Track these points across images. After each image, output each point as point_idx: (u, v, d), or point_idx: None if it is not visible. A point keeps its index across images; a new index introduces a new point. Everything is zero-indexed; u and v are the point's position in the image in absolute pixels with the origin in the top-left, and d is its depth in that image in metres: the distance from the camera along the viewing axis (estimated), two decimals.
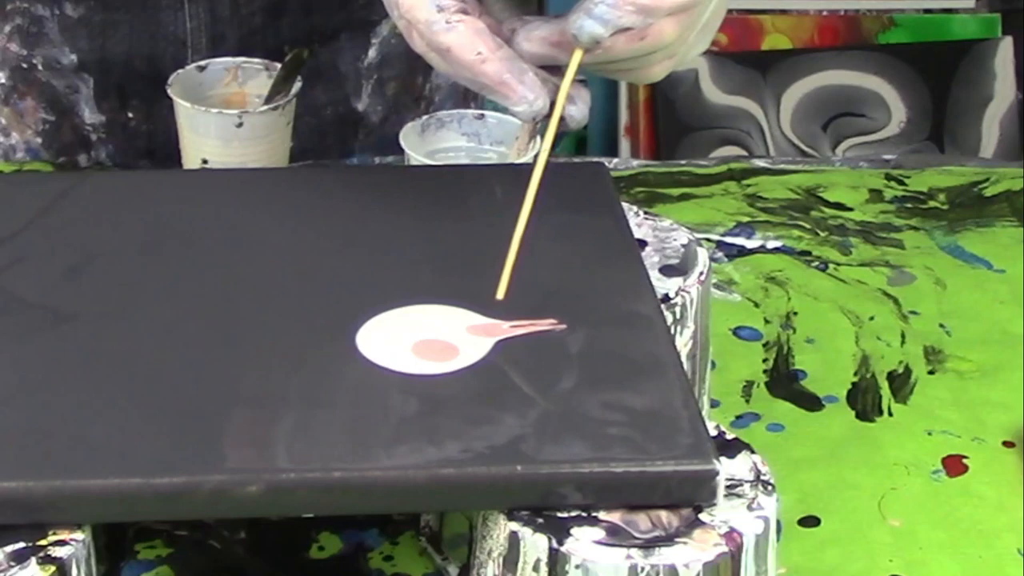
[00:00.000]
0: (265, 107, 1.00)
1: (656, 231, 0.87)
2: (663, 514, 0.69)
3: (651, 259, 0.84)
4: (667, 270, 0.84)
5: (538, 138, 0.98)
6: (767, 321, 0.99)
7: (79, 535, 0.67)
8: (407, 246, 0.82)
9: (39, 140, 1.12)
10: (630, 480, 0.68)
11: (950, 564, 0.80)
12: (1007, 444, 0.89)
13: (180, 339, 0.75)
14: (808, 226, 1.08)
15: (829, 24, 2.16)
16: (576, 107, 0.78)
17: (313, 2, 1.12)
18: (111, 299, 0.78)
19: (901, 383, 0.94)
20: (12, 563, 0.65)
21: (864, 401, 0.92)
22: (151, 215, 0.84)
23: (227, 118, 0.99)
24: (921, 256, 1.05)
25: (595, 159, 1.00)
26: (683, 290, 0.82)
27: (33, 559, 0.66)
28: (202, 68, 1.03)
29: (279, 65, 1.02)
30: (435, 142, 0.99)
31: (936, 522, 0.83)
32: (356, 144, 1.17)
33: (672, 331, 0.79)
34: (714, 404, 0.90)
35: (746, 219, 1.08)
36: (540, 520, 0.68)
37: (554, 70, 0.79)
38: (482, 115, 0.99)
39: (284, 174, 0.96)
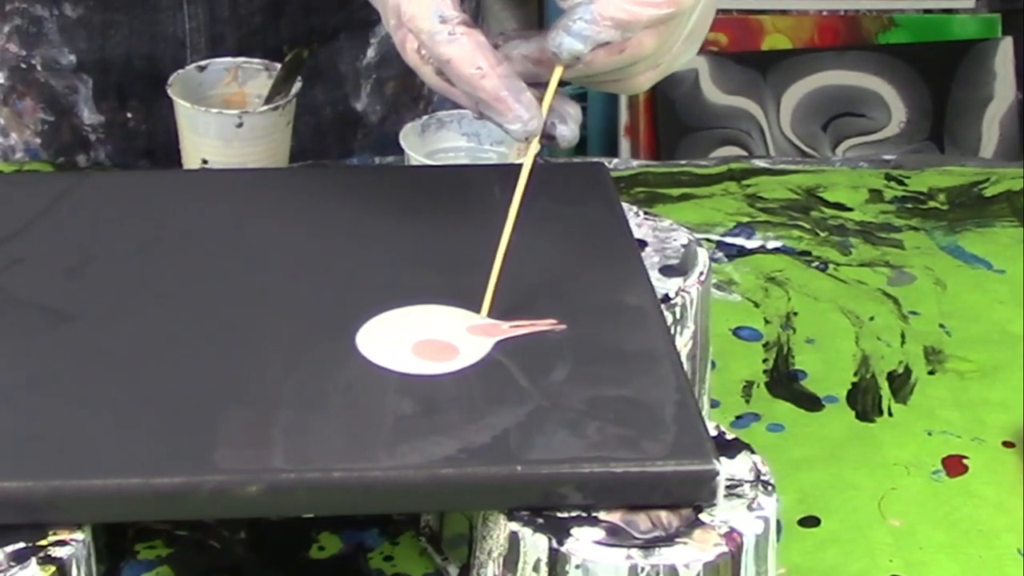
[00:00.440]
0: (265, 107, 1.00)
1: (656, 231, 0.87)
2: (663, 514, 0.69)
3: (651, 259, 0.84)
4: (667, 270, 0.84)
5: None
6: (767, 321, 0.99)
7: (79, 535, 0.67)
8: (407, 246, 0.82)
9: (38, 140, 1.12)
10: (630, 480, 0.68)
11: (950, 564, 0.80)
12: (1007, 444, 0.89)
13: (180, 339, 0.75)
14: (808, 226, 1.08)
15: (829, 24, 2.16)
16: (567, 127, 0.78)
17: (312, 2, 1.12)
18: (111, 299, 0.78)
19: (901, 383, 0.93)
20: (12, 563, 0.65)
21: (864, 401, 0.92)
22: (151, 215, 0.84)
23: (227, 118, 0.99)
24: (921, 256, 1.05)
25: (595, 159, 1.00)
26: (683, 290, 0.82)
27: (33, 559, 0.66)
28: (202, 68, 1.03)
29: (279, 65, 1.02)
30: (435, 142, 0.99)
31: (936, 522, 0.83)
32: (355, 144, 1.17)
33: (672, 331, 0.79)
34: (714, 404, 0.90)
35: (746, 219, 1.08)
36: (540, 520, 0.68)
37: (536, 86, 0.78)
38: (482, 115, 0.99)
39: (284, 174, 0.96)
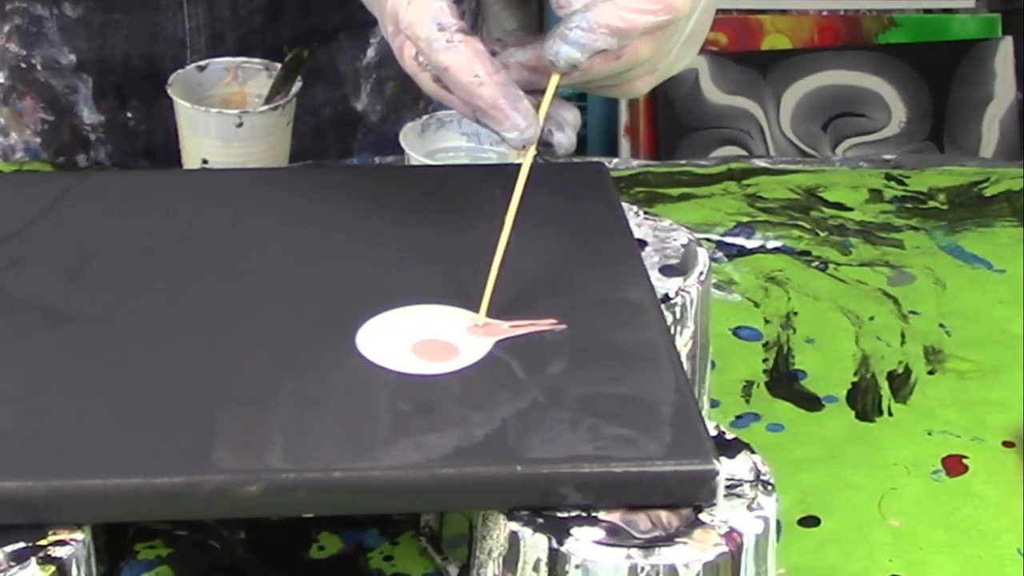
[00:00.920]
0: (265, 107, 1.00)
1: (656, 231, 0.87)
2: (663, 514, 0.69)
3: (651, 259, 0.84)
4: (667, 270, 0.84)
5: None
6: (767, 321, 0.99)
7: (79, 535, 0.67)
8: (407, 246, 0.82)
9: (38, 140, 1.12)
10: (630, 480, 0.68)
11: (950, 564, 0.80)
12: (1007, 444, 0.89)
13: (180, 339, 0.75)
14: (808, 226, 1.08)
15: (829, 24, 2.16)
16: (564, 134, 0.78)
17: (312, 2, 1.12)
18: (110, 299, 0.78)
19: (901, 383, 0.94)
20: (12, 563, 0.65)
21: (864, 401, 0.92)
22: (151, 215, 0.84)
23: (227, 118, 0.99)
24: (921, 256, 1.05)
25: (595, 159, 1.00)
26: (683, 290, 0.82)
27: (33, 559, 0.66)
28: (202, 68, 1.03)
29: (279, 65, 1.02)
30: (435, 142, 0.99)
31: (936, 522, 0.83)
32: (355, 144, 1.17)
33: (672, 331, 0.79)
34: (714, 404, 0.90)
35: (746, 219, 1.08)
36: (540, 520, 0.68)
37: (533, 93, 0.79)
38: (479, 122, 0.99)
39: (284, 174, 0.96)
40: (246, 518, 0.79)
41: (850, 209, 1.10)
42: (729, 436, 0.73)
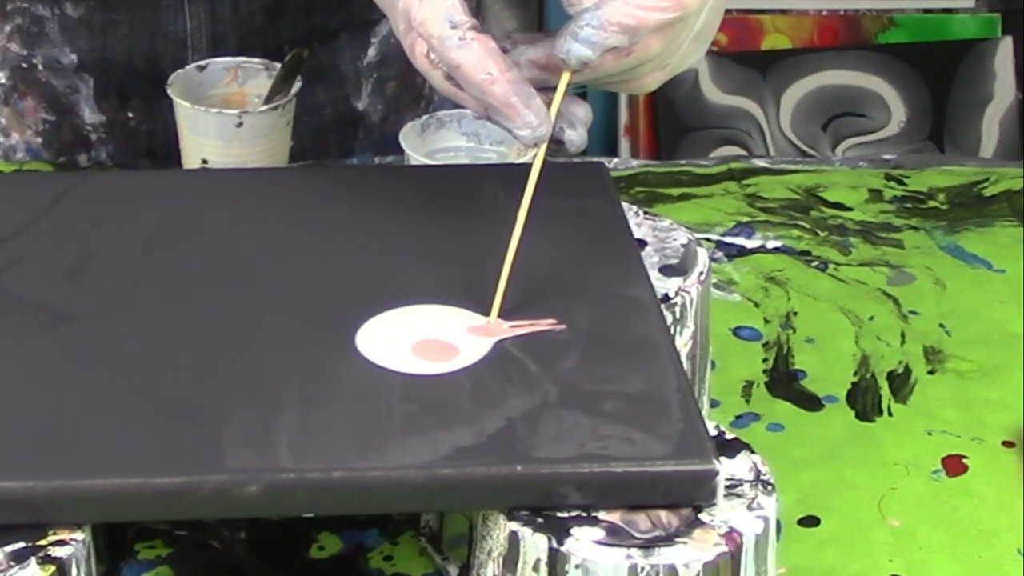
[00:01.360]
0: (265, 107, 1.00)
1: (656, 231, 0.87)
2: (663, 514, 0.69)
3: (651, 259, 0.84)
4: (667, 270, 0.84)
5: None
6: (767, 321, 0.99)
7: (79, 535, 0.67)
8: (407, 246, 0.82)
9: (39, 140, 1.12)
10: (630, 480, 0.68)
11: (950, 564, 0.80)
12: (1007, 444, 0.89)
13: (180, 339, 0.75)
14: (808, 226, 1.08)
15: (829, 24, 2.16)
16: (576, 131, 0.78)
17: (313, 2, 1.12)
18: (111, 299, 0.78)
19: (901, 383, 0.94)
20: (12, 563, 0.65)
21: (864, 401, 0.92)
22: (151, 215, 0.84)
23: (227, 118, 0.99)
24: (921, 256, 1.05)
25: (595, 159, 1.00)
26: (683, 290, 0.82)
27: (33, 559, 0.66)
28: (202, 68, 1.03)
29: (279, 65, 1.02)
30: (435, 142, 0.99)
31: (936, 522, 0.83)
32: (356, 144, 1.17)
33: (672, 331, 0.79)
34: (714, 404, 0.90)
35: (746, 219, 1.08)
36: (540, 520, 0.68)
37: (543, 90, 0.79)
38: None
39: (284, 174, 0.96)
40: (246, 518, 0.79)
41: (850, 209, 1.10)
42: (729, 436, 0.73)
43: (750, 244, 1.06)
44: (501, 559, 0.69)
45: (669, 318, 0.80)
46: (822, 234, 1.07)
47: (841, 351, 0.96)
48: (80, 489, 0.67)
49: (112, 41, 1.10)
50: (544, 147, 0.77)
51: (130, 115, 1.12)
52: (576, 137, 0.78)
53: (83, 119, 1.12)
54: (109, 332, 0.76)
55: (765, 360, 0.95)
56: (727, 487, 0.70)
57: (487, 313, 0.77)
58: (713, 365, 0.91)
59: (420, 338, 0.76)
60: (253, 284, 0.79)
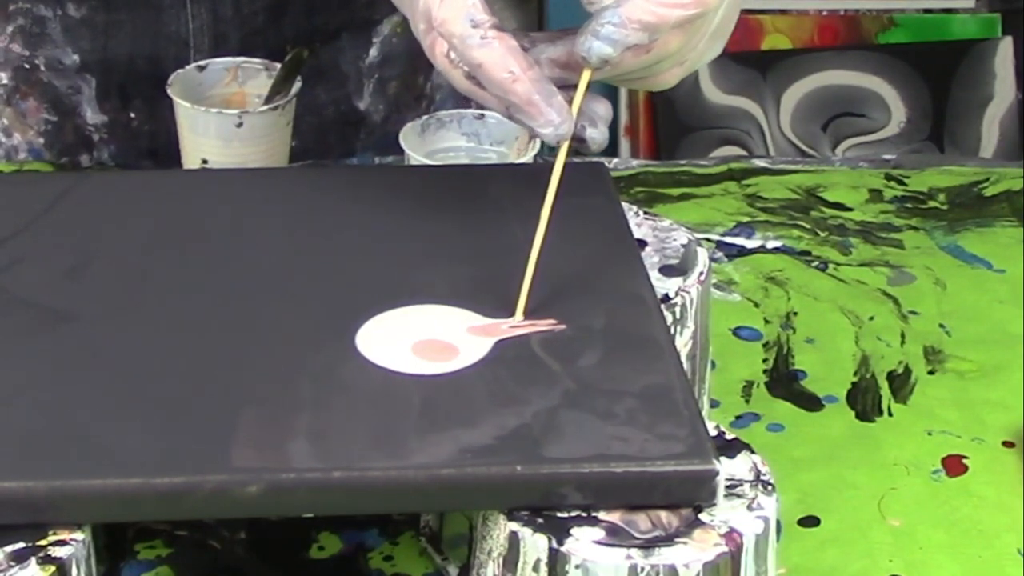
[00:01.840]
0: (265, 107, 1.00)
1: (656, 231, 0.87)
2: (663, 514, 0.69)
3: (651, 259, 0.84)
4: (667, 270, 0.84)
5: (537, 139, 0.98)
6: (767, 321, 0.99)
7: (79, 535, 0.67)
8: (407, 246, 0.82)
9: (41, 141, 1.12)
10: (630, 480, 0.68)
11: (950, 564, 0.80)
12: (1007, 444, 0.89)
13: (179, 339, 0.75)
14: (808, 226, 1.08)
15: (829, 24, 2.16)
16: (597, 130, 0.78)
17: (315, 2, 1.12)
18: (111, 299, 0.78)
19: (901, 383, 0.94)
20: (12, 563, 0.65)
21: (864, 401, 0.92)
22: (151, 215, 0.84)
23: (227, 118, 0.99)
24: (921, 256, 1.05)
25: (595, 159, 1.00)
26: (683, 290, 0.82)
27: (33, 559, 0.66)
28: (202, 68, 1.03)
29: (279, 65, 1.02)
30: (435, 142, 0.99)
31: (936, 522, 0.83)
32: (358, 144, 1.17)
33: (672, 331, 0.79)
34: (714, 404, 0.90)
35: (746, 219, 1.08)
36: (540, 520, 0.68)
37: (562, 88, 0.79)
38: (482, 115, 0.99)
39: (284, 174, 0.96)
40: (246, 518, 0.79)
41: (850, 209, 1.10)
42: (729, 436, 0.73)
43: (750, 244, 1.06)
44: (501, 559, 0.69)
45: (669, 318, 0.80)
46: (822, 234, 1.07)
47: (841, 351, 0.96)
48: (80, 489, 0.67)
49: (114, 41, 1.10)
50: (566, 145, 0.77)
51: (132, 116, 1.12)
52: (598, 135, 0.78)
53: (85, 120, 1.12)
54: (109, 332, 0.76)
55: (765, 360, 0.95)
56: (727, 487, 0.70)
57: (488, 313, 0.77)
58: (713, 365, 0.91)
59: (420, 338, 0.76)
60: (252, 284, 0.79)
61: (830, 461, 0.87)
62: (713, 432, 0.72)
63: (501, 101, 0.77)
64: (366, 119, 1.17)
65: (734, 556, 0.68)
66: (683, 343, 0.82)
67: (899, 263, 1.04)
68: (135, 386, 0.72)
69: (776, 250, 1.05)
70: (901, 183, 1.13)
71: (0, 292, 0.78)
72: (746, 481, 0.71)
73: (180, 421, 0.70)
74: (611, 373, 0.74)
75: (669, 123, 2.10)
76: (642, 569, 0.66)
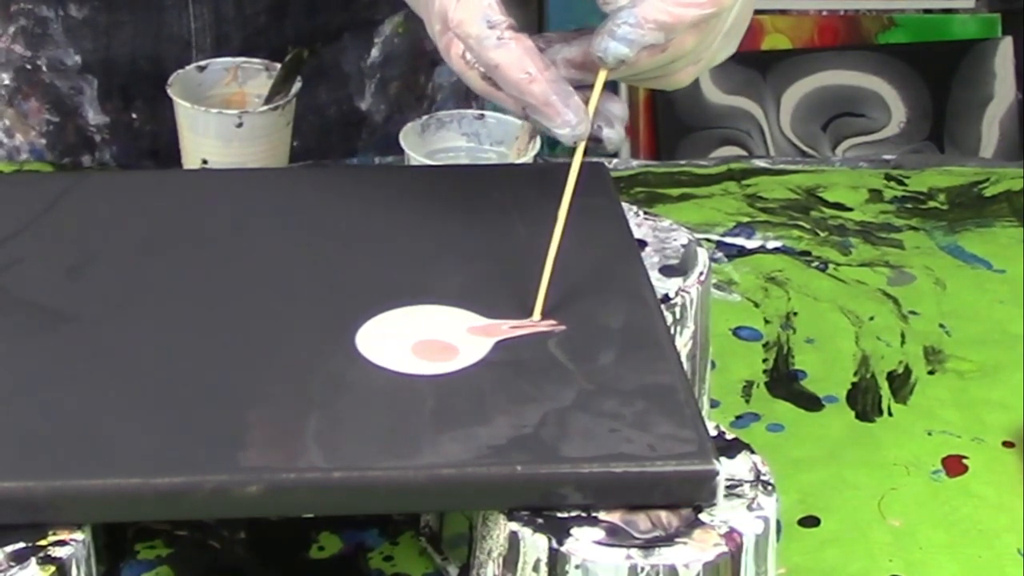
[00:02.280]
0: (265, 107, 1.00)
1: (656, 231, 0.87)
2: (663, 514, 0.69)
3: (651, 259, 0.84)
4: (667, 270, 0.84)
5: (537, 139, 0.98)
6: (767, 321, 0.99)
7: (79, 535, 0.67)
8: (408, 246, 0.82)
9: (43, 141, 1.12)
10: (630, 480, 0.68)
11: (950, 564, 0.80)
12: (1007, 444, 0.89)
13: (179, 339, 0.75)
14: (808, 226, 1.08)
15: (829, 24, 2.16)
16: (613, 130, 0.79)
17: (317, 2, 1.12)
18: (111, 299, 0.78)
19: (901, 383, 0.94)
20: (12, 563, 0.65)
21: (864, 401, 0.92)
22: (151, 215, 0.84)
23: (227, 118, 0.99)
24: (921, 256, 1.05)
25: (595, 159, 1.00)
26: (683, 290, 0.82)
27: (33, 559, 0.66)
28: (202, 68, 1.03)
29: (279, 65, 1.02)
30: (435, 142, 0.99)
31: (936, 522, 0.83)
32: (359, 144, 1.17)
33: (672, 331, 0.79)
34: (714, 404, 0.90)
35: (746, 219, 1.08)
36: (540, 520, 0.68)
37: (578, 88, 0.79)
38: (482, 115, 0.99)
39: (284, 174, 0.96)
40: (246, 518, 0.79)
41: (850, 209, 1.10)
42: (729, 436, 0.73)
43: (750, 244, 1.06)
44: (501, 559, 0.69)
45: (669, 318, 0.80)
46: (822, 234, 1.07)
47: (841, 351, 0.96)
48: (80, 489, 0.67)
49: (116, 42, 1.10)
50: (583, 145, 0.77)
51: (134, 116, 1.12)
52: (614, 135, 0.79)
53: (87, 120, 1.12)
54: (109, 332, 0.76)
55: (765, 360, 0.95)
56: (727, 487, 0.70)
57: (488, 313, 0.77)
58: (713, 365, 0.91)
59: (420, 338, 0.76)
60: (252, 284, 0.79)
61: (830, 461, 0.87)
62: (713, 432, 0.72)
63: (518, 102, 0.77)
64: (368, 119, 1.17)
65: (734, 556, 0.68)
66: (683, 343, 0.82)
67: (899, 263, 1.04)
68: (135, 386, 0.72)
69: (776, 250, 1.05)
70: (901, 183, 1.13)
71: (0, 292, 0.78)
72: (746, 481, 0.71)
73: (180, 421, 0.70)
74: (611, 373, 0.74)
75: (669, 123, 2.10)
76: (642, 569, 0.67)
